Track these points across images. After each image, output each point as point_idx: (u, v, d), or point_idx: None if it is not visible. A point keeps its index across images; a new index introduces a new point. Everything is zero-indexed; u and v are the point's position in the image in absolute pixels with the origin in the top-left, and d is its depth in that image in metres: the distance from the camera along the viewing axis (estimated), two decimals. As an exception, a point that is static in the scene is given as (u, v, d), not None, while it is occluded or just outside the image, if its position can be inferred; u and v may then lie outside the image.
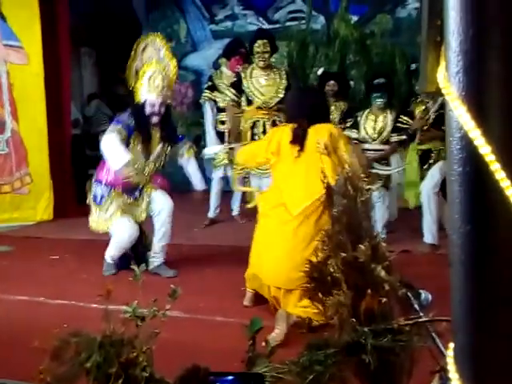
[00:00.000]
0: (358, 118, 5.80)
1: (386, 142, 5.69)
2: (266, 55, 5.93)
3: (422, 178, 5.41)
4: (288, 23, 8.74)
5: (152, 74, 4.81)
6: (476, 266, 1.15)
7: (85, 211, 7.72)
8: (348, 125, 6.04)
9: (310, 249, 3.16)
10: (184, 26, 9.59)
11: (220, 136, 6.54)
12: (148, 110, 4.73)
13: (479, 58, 1.05)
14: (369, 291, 1.58)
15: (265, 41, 5.93)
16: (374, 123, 5.69)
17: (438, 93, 1.15)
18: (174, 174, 9.81)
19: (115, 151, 4.60)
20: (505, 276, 1.14)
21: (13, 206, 7.17)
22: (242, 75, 6.05)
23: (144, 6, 9.82)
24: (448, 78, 1.10)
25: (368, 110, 5.78)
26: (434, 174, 5.21)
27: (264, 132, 5.87)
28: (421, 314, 1.66)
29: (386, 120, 5.68)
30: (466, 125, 1.07)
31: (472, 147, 1.08)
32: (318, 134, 3.96)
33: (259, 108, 6.01)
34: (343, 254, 1.59)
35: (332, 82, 6.44)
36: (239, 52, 6.49)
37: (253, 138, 5.95)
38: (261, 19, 9.01)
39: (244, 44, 6.55)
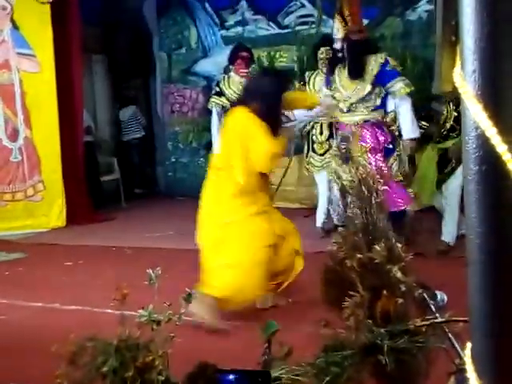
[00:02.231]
0: None
1: None
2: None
3: (440, 178, 5.41)
4: (298, 27, 8.75)
5: None
6: (494, 265, 1.14)
7: (97, 218, 7.81)
8: None
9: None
10: (194, 32, 9.62)
11: None
12: None
13: (495, 56, 1.05)
14: (385, 292, 1.57)
15: (328, 48, 6.08)
16: None
17: (453, 92, 1.15)
18: (185, 180, 9.89)
19: None
20: (523, 275, 1.13)
21: (26, 213, 7.22)
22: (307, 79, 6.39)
23: (154, 13, 9.86)
24: (464, 76, 1.09)
25: None
26: (460, 174, 5.21)
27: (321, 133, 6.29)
28: (437, 315, 1.65)
29: None
30: (482, 123, 1.07)
31: (488, 146, 1.08)
32: (233, 121, 3.95)
33: None
34: (359, 255, 1.59)
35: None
36: (241, 56, 6.58)
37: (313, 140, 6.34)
38: (271, 24, 9.03)
39: (247, 48, 6.66)
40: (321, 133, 6.26)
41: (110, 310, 3.87)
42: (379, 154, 4.88)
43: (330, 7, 8.43)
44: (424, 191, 5.59)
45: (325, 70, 6.13)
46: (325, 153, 6.22)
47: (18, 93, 7.18)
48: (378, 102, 4.94)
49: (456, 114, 5.34)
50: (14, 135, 7.17)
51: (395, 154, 4.99)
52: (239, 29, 9.24)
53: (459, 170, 5.26)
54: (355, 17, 4.94)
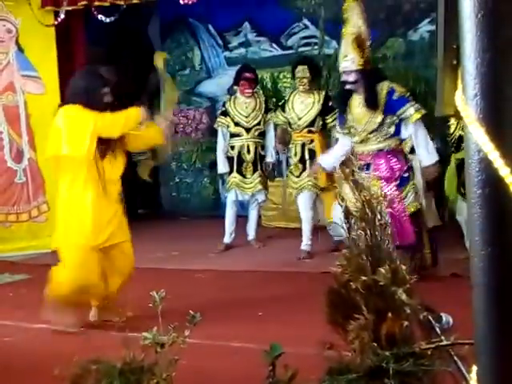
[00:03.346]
0: None
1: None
2: (305, 80, 6.19)
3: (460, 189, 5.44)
4: (301, 49, 8.80)
5: None
6: (498, 288, 1.14)
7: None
8: None
9: None
10: (198, 53, 9.69)
11: (230, 161, 6.77)
12: None
13: (496, 81, 1.06)
14: (390, 315, 1.57)
15: (304, 66, 6.21)
16: None
17: (455, 116, 1.16)
18: (189, 200, 9.90)
19: None
20: (528, 298, 1.13)
21: (30, 235, 7.22)
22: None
23: (158, 34, 9.95)
24: (465, 100, 1.10)
25: None
26: None
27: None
28: (442, 338, 1.64)
29: None
30: (484, 147, 1.08)
31: (491, 169, 1.08)
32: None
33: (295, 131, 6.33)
34: (363, 278, 1.59)
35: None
36: (245, 77, 6.66)
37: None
38: (274, 45, 9.09)
39: (251, 69, 6.75)
40: (295, 154, 6.28)
41: (114, 332, 3.87)
42: (394, 183, 4.81)
43: (332, 28, 8.51)
44: (450, 202, 5.60)
45: (302, 88, 6.17)
46: (300, 174, 6.22)
47: (23, 114, 7.23)
48: (392, 130, 4.88)
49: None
50: (18, 157, 7.20)
51: (411, 182, 4.91)
52: (242, 50, 9.30)
53: None
54: (367, 46, 4.99)
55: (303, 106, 6.19)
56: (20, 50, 7.22)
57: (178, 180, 10.14)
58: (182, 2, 6.53)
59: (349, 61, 4.85)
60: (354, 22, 4.96)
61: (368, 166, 4.90)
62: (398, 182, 4.85)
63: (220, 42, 9.48)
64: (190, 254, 6.71)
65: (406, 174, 4.89)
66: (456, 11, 1.13)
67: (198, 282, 5.52)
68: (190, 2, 6.51)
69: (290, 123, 6.27)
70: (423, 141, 4.90)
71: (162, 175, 10.38)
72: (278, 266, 5.09)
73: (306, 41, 8.86)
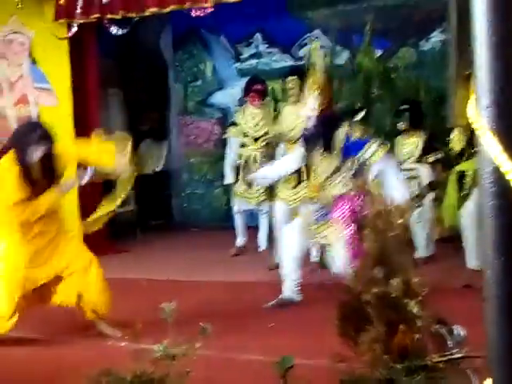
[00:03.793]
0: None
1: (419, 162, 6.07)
2: (295, 91, 6.16)
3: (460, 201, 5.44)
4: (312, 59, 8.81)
5: None
6: (511, 300, 1.13)
7: (112, 249, 7.82)
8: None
9: None
10: (210, 64, 9.73)
11: (236, 170, 6.86)
12: None
13: (509, 91, 1.05)
14: (401, 327, 1.55)
15: (294, 77, 6.24)
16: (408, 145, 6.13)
17: (468, 126, 1.15)
18: (201, 211, 9.90)
19: None
20: (542, 310, 1.11)
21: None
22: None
23: (171, 46, 10.00)
24: (478, 111, 1.09)
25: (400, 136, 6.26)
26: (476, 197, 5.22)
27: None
28: (455, 350, 1.62)
29: (416, 142, 6.08)
30: (497, 158, 1.06)
31: (504, 180, 1.07)
32: None
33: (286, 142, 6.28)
34: (375, 290, 1.57)
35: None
36: (255, 89, 6.70)
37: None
38: (285, 56, 9.11)
39: (261, 81, 6.81)
40: None
41: (124, 344, 3.87)
42: (353, 225, 4.64)
43: (344, 38, 8.53)
44: (448, 214, 5.60)
45: (292, 99, 6.15)
46: (296, 186, 6.17)
47: (36, 126, 7.27)
48: (351, 174, 4.79)
49: (465, 137, 5.39)
50: (31, 168, 7.24)
51: None
52: (254, 61, 9.33)
53: (474, 194, 5.27)
54: (326, 90, 5.05)
55: (294, 117, 6.18)
56: (33, 62, 7.28)
57: (189, 191, 10.15)
58: (193, 14, 6.56)
59: (309, 108, 4.87)
60: (319, 65, 5.03)
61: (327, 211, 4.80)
62: (358, 223, 4.61)
63: (232, 53, 9.52)
64: (201, 265, 6.71)
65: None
66: (469, 22, 1.12)
67: (209, 293, 5.51)
68: (202, 14, 6.55)
69: (282, 135, 6.24)
70: (390, 180, 4.75)
71: (174, 186, 10.41)
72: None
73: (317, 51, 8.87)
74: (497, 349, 1.19)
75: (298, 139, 6.14)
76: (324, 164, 4.83)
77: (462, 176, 5.51)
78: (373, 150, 4.73)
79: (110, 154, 4.38)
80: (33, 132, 4.25)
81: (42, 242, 4.24)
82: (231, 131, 6.91)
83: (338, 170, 4.77)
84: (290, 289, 4.83)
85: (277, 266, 5.58)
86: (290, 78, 6.22)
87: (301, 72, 6.41)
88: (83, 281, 4.30)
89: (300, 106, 6.07)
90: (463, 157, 5.48)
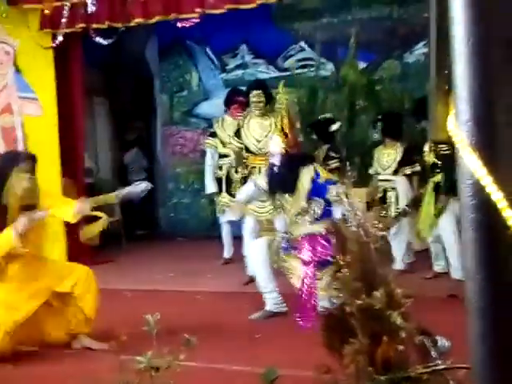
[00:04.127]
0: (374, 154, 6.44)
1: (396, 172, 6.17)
2: (261, 104, 6.16)
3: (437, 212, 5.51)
4: (297, 71, 8.87)
5: None
6: (493, 313, 1.14)
7: (97, 259, 7.78)
8: (332, 166, 6.57)
9: None
10: (196, 75, 9.76)
11: (218, 181, 6.88)
12: None
13: (488, 106, 1.07)
14: (385, 338, 1.56)
15: (259, 91, 6.20)
16: (387, 156, 6.26)
17: (449, 140, 1.16)
18: (187, 221, 9.89)
19: None
20: (523, 323, 1.13)
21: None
22: (241, 124, 6.31)
23: (156, 56, 10.02)
24: (458, 126, 1.11)
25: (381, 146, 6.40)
26: (454, 209, 5.28)
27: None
28: (439, 362, 1.63)
29: (394, 154, 6.20)
30: (477, 172, 1.08)
31: (484, 194, 1.09)
32: None
33: (255, 155, 6.25)
34: (358, 301, 1.58)
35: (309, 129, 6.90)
36: (237, 100, 6.72)
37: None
38: (271, 67, 9.16)
39: (242, 92, 6.73)
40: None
41: (108, 356, 3.84)
42: (311, 265, 4.59)
43: (329, 51, 8.59)
44: (426, 226, 5.65)
45: (257, 112, 6.19)
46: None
47: (20, 136, 7.24)
48: (319, 213, 4.75)
49: (435, 149, 5.51)
50: (15, 178, 7.19)
51: (330, 267, 4.52)
52: (239, 72, 9.37)
53: (451, 206, 5.36)
54: (293, 131, 4.99)
55: (261, 130, 6.21)
56: (18, 71, 7.25)
57: (175, 201, 10.15)
58: (179, 24, 6.60)
59: (274, 145, 4.89)
60: (286, 107, 5.07)
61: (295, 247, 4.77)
62: (317, 264, 4.60)
63: (217, 63, 9.56)
64: (187, 275, 6.70)
65: (329, 258, 4.55)
66: (448, 36, 1.14)
67: (195, 304, 5.49)
68: (188, 25, 6.58)
69: (247, 148, 6.23)
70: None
71: (160, 196, 10.39)
72: (280, 286, 5.08)
73: (302, 63, 8.94)
74: (480, 360, 1.20)
75: (265, 153, 6.23)
76: (291, 202, 4.84)
77: (438, 187, 5.59)
78: (338, 193, 4.65)
79: (68, 209, 4.30)
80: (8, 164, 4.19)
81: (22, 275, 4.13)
82: (210, 142, 6.94)
83: (304, 210, 4.76)
84: (271, 302, 4.83)
85: (251, 280, 5.63)
86: (255, 91, 6.22)
87: (264, 85, 6.48)
88: (84, 292, 4.25)
89: (265, 118, 6.18)
90: (436, 168, 5.58)
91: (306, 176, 4.75)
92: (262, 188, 5.00)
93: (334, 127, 7.47)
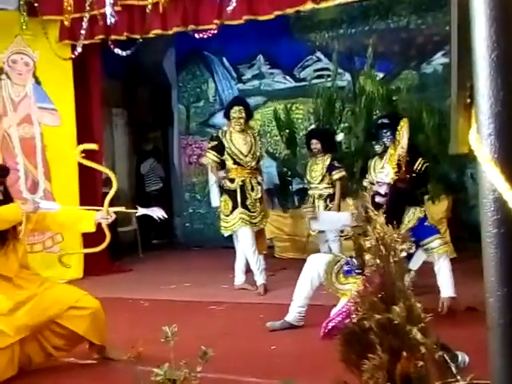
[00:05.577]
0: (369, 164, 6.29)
1: None
2: (242, 120, 6.25)
3: None
4: (314, 81, 8.87)
5: None
6: (515, 330, 1.12)
7: (114, 269, 7.81)
8: (335, 177, 6.63)
9: None
10: (212, 85, 9.80)
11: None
12: None
13: (511, 121, 1.05)
14: (404, 354, 1.54)
15: (241, 107, 6.27)
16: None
17: (470, 154, 1.15)
18: (203, 231, 9.90)
19: None
20: (545, 340, 1.11)
21: (44, 265, 7.20)
22: (221, 137, 6.33)
23: (174, 67, 10.08)
24: (480, 139, 1.10)
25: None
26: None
27: (252, 189, 6.30)
28: (459, 378, 1.61)
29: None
30: (499, 187, 1.07)
31: (506, 209, 1.07)
32: None
33: (243, 167, 6.30)
34: (377, 316, 1.57)
35: (314, 140, 6.79)
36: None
37: (244, 196, 6.24)
38: (287, 77, 9.17)
39: (243, 102, 6.60)
40: (252, 189, 6.29)
41: (125, 367, 3.83)
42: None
43: (346, 61, 8.59)
44: None
45: (238, 128, 6.23)
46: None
47: (39, 146, 7.31)
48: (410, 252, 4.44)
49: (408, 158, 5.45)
50: (33, 188, 7.26)
51: None
52: (256, 82, 9.39)
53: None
54: (407, 165, 4.77)
55: (247, 146, 6.27)
56: (37, 82, 7.33)
57: (191, 210, 10.17)
58: (197, 36, 6.61)
59: (382, 173, 4.76)
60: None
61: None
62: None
63: (234, 74, 9.59)
64: (203, 285, 6.69)
65: None
66: (469, 49, 1.13)
67: (211, 314, 5.48)
68: (206, 36, 6.60)
69: (235, 161, 6.24)
70: (447, 273, 4.67)
71: (176, 206, 10.42)
72: (291, 297, 5.05)
73: (319, 73, 8.94)
74: (500, 378, 1.18)
75: (253, 167, 6.32)
76: None
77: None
78: (441, 242, 4.65)
79: (90, 222, 4.30)
80: None
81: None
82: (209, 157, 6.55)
83: None
84: (294, 315, 4.79)
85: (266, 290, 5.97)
86: (236, 107, 6.26)
87: (245, 102, 6.53)
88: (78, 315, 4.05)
89: (245, 134, 6.25)
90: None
91: (415, 214, 4.62)
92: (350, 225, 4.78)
93: (340, 137, 7.49)
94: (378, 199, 4.59)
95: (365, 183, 6.23)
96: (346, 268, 4.61)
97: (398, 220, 4.29)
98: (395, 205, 4.53)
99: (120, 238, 9.11)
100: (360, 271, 4.40)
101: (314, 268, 4.67)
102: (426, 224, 4.66)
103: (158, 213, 4.56)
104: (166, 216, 4.60)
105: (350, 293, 4.44)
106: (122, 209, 4.81)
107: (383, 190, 4.59)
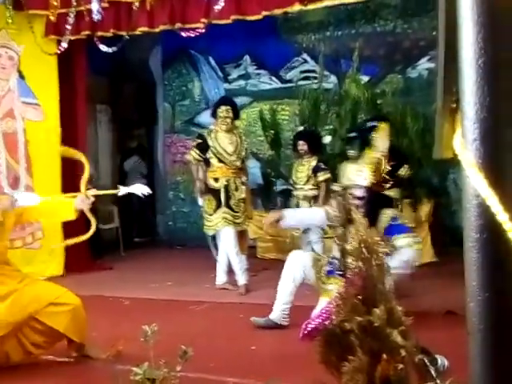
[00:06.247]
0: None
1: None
2: (228, 120, 6.26)
3: None
4: (300, 82, 8.89)
5: None
6: (495, 335, 1.13)
7: (95, 266, 7.76)
8: (320, 179, 6.71)
9: None
10: (198, 84, 9.78)
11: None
12: None
13: (496, 127, 1.06)
14: (384, 356, 1.54)
15: (228, 107, 6.29)
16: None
17: (454, 159, 1.16)
18: (186, 229, 9.87)
19: None
20: (525, 345, 1.11)
21: (24, 261, 7.14)
22: (206, 136, 6.34)
23: (160, 65, 10.05)
24: (465, 145, 1.10)
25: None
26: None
27: (236, 189, 6.29)
28: (438, 381, 1.62)
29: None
30: (482, 192, 1.07)
31: (489, 214, 1.08)
32: None
33: (228, 166, 6.31)
34: (358, 318, 1.57)
35: (301, 141, 6.83)
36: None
37: (228, 195, 6.24)
38: (273, 78, 9.18)
39: (230, 102, 6.61)
40: (236, 189, 6.30)
41: (104, 366, 3.81)
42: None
43: (331, 63, 8.61)
44: None
45: (224, 127, 6.24)
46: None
47: (21, 141, 7.23)
48: None
49: (389, 167, 5.52)
50: (15, 183, 7.18)
51: None
52: (242, 82, 9.40)
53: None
54: (380, 170, 5.05)
55: (232, 146, 6.29)
56: (21, 77, 7.26)
57: (174, 209, 10.14)
58: (184, 34, 6.59)
59: (360, 176, 4.73)
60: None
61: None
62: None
63: (220, 74, 9.58)
64: (185, 284, 6.68)
65: None
66: (456, 55, 1.14)
67: (192, 314, 5.47)
68: (193, 35, 6.58)
69: (220, 159, 6.25)
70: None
71: (159, 204, 10.38)
72: (272, 298, 5.05)
73: (305, 75, 8.96)
74: (479, 382, 1.19)
75: (238, 167, 6.33)
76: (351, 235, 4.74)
77: None
78: (412, 240, 4.66)
79: (70, 210, 4.28)
80: None
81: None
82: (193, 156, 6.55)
83: None
84: (278, 313, 4.79)
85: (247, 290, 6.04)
86: (223, 107, 6.28)
87: (232, 102, 6.55)
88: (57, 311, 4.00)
89: (231, 134, 6.25)
90: (386, 183, 5.61)
91: (387, 216, 4.65)
92: (334, 218, 4.78)
93: (327, 140, 7.53)
94: (354, 202, 4.65)
95: (335, 187, 6.29)
96: (328, 268, 4.67)
97: (373, 222, 4.46)
98: (371, 207, 4.61)
99: (102, 235, 9.05)
100: (342, 272, 4.46)
101: (296, 264, 4.73)
102: (396, 223, 4.71)
103: (141, 189, 4.51)
104: (150, 191, 4.56)
105: (331, 293, 4.49)
106: (102, 192, 4.76)
107: (360, 193, 4.65)
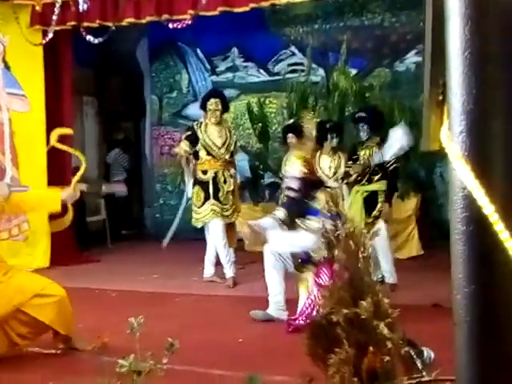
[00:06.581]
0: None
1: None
2: (218, 113, 6.26)
3: (369, 221, 5.62)
4: (288, 75, 8.88)
5: None
6: (481, 327, 1.13)
7: (82, 259, 7.73)
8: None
9: None
10: (186, 76, 9.74)
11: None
12: None
13: (482, 119, 1.06)
14: (371, 349, 1.55)
15: (217, 100, 6.27)
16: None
17: (440, 152, 1.16)
18: (173, 222, 9.83)
19: None
20: (511, 337, 1.12)
21: (10, 253, 7.09)
22: (196, 128, 6.30)
23: (147, 57, 9.99)
24: (451, 137, 1.10)
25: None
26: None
27: (225, 182, 6.27)
28: (424, 373, 1.63)
29: (339, 161, 6.45)
30: (469, 184, 1.07)
31: (475, 206, 1.08)
32: None
33: (216, 159, 6.28)
34: (345, 311, 1.57)
35: (291, 134, 6.80)
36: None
37: (216, 188, 6.21)
38: (261, 71, 9.16)
39: (220, 94, 6.60)
40: (224, 181, 6.28)
41: (90, 358, 3.80)
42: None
43: (319, 56, 8.61)
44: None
45: (213, 120, 6.24)
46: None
47: (7, 132, 7.17)
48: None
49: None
50: (0, 174, 7.13)
51: None
52: (230, 75, 9.37)
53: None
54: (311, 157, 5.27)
55: (221, 138, 6.28)
56: (7, 67, 7.19)
57: (162, 202, 10.10)
58: (171, 25, 6.56)
59: (295, 169, 4.85)
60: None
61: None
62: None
63: (208, 66, 9.54)
64: (172, 276, 6.66)
65: None
66: (443, 47, 1.13)
67: (179, 306, 5.46)
68: (180, 27, 6.54)
69: (208, 152, 6.23)
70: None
71: (146, 196, 10.34)
72: (260, 290, 5.05)
73: (293, 67, 8.95)
74: (465, 374, 1.19)
75: (226, 157, 6.30)
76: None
77: (370, 196, 5.70)
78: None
79: (55, 202, 4.26)
80: None
81: None
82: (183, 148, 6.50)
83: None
84: (273, 306, 4.80)
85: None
86: (213, 99, 6.26)
87: (222, 94, 6.54)
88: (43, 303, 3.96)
89: (221, 126, 6.29)
90: (375, 175, 5.66)
91: (323, 198, 4.70)
92: (281, 219, 4.88)
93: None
94: (289, 193, 4.80)
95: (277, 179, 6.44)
96: (303, 257, 4.71)
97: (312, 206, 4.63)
98: (308, 194, 4.70)
99: (89, 227, 9.02)
100: (314, 262, 4.55)
101: (272, 253, 4.75)
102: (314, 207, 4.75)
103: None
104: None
105: (305, 282, 4.57)
106: (78, 174, 4.73)
107: (295, 185, 4.74)
